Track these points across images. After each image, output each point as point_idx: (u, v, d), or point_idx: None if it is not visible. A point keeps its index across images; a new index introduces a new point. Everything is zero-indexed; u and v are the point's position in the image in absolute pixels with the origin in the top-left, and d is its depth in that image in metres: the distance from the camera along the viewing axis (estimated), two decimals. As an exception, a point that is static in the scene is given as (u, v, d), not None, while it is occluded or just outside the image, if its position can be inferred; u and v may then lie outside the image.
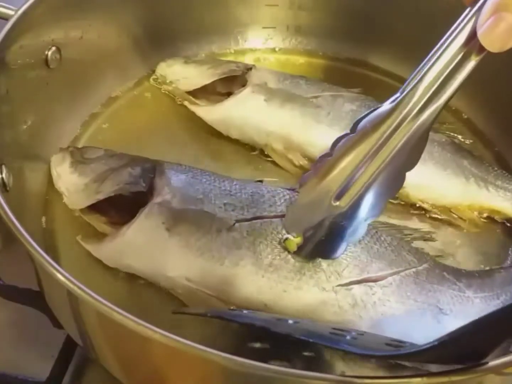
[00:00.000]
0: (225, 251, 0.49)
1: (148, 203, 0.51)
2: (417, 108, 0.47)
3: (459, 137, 0.64)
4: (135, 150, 0.58)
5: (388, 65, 0.73)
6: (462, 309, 0.51)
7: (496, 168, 0.62)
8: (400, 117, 0.48)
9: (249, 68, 0.66)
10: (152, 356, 0.41)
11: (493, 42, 0.43)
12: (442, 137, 0.62)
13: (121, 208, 0.53)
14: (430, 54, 0.47)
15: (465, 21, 0.45)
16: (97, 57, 0.65)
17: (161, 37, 0.70)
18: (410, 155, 0.48)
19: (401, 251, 0.52)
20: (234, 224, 0.50)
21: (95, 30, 0.63)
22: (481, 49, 0.44)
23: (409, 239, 0.54)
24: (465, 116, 0.70)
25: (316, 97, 0.63)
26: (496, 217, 0.60)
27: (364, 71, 0.74)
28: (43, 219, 0.56)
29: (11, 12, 0.56)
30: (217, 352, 0.36)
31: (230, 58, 0.73)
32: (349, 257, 0.50)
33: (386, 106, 0.48)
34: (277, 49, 0.76)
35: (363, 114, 0.49)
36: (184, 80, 0.67)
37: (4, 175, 0.50)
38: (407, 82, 0.48)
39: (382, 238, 0.53)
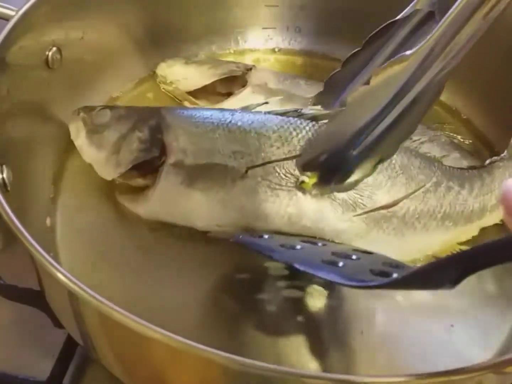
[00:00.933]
0: (244, 199, 0.52)
1: (164, 165, 0.53)
2: (440, 56, 0.47)
3: (459, 137, 0.64)
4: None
5: (387, 66, 0.73)
6: (462, 216, 0.56)
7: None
8: (420, 65, 0.48)
9: (249, 69, 0.66)
10: (153, 355, 0.41)
11: None
12: (441, 137, 0.62)
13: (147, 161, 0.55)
14: None
15: None
16: (98, 57, 0.65)
17: (161, 38, 0.70)
18: (426, 104, 0.49)
19: (411, 171, 0.55)
20: (246, 171, 0.52)
21: (95, 30, 0.63)
22: None
23: (416, 145, 0.57)
24: (464, 117, 0.70)
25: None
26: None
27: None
28: (47, 220, 0.56)
29: (11, 13, 0.56)
30: (218, 352, 0.36)
31: (230, 58, 0.73)
32: (363, 188, 0.53)
33: (405, 54, 0.48)
34: (277, 50, 0.76)
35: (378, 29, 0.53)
36: (184, 81, 0.67)
37: (4, 175, 0.50)
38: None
39: (393, 161, 0.55)
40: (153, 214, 0.55)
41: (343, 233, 0.53)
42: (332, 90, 0.56)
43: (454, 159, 0.61)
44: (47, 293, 0.50)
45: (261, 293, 0.52)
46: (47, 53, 0.58)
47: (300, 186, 0.52)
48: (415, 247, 0.55)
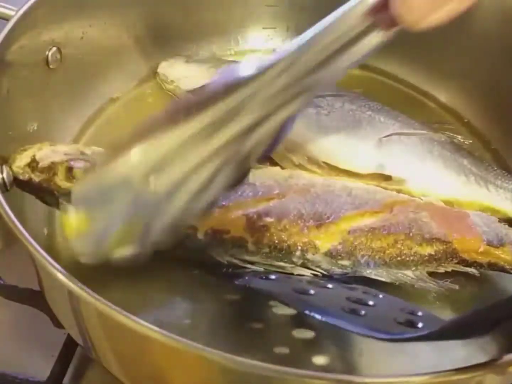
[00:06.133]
0: None
1: None
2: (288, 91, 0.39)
3: (459, 137, 0.64)
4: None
5: (388, 66, 0.73)
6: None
7: (495, 168, 0.62)
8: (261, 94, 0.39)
9: (249, 68, 0.66)
10: (153, 355, 0.41)
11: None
12: (441, 136, 0.62)
13: None
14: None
15: None
16: (98, 57, 0.65)
17: (162, 37, 0.70)
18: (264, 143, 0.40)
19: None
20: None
21: (95, 30, 0.63)
22: (392, 24, 0.36)
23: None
24: (465, 120, 0.70)
25: (316, 97, 0.63)
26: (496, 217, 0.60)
27: (364, 72, 0.74)
28: (45, 219, 0.56)
29: (11, 13, 0.56)
30: (218, 352, 0.36)
31: (230, 58, 0.73)
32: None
33: (247, 74, 0.38)
34: (277, 50, 0.76)
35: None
36: (185, 79, 0.67)
37: (4, 175, 0.50)
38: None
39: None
40: None
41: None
42: None
43: (454, 159, 0.61)
44: (46, 293, 0.50)
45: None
46: (47, 52, 0.58)
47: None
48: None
